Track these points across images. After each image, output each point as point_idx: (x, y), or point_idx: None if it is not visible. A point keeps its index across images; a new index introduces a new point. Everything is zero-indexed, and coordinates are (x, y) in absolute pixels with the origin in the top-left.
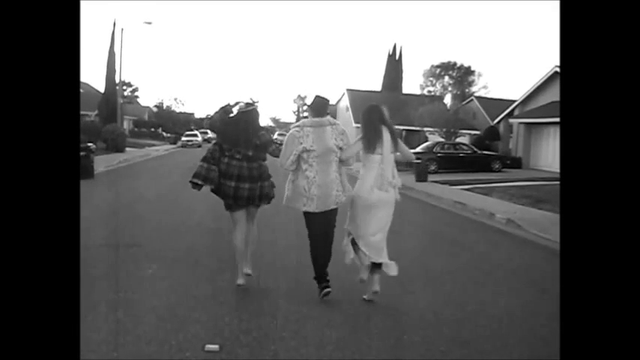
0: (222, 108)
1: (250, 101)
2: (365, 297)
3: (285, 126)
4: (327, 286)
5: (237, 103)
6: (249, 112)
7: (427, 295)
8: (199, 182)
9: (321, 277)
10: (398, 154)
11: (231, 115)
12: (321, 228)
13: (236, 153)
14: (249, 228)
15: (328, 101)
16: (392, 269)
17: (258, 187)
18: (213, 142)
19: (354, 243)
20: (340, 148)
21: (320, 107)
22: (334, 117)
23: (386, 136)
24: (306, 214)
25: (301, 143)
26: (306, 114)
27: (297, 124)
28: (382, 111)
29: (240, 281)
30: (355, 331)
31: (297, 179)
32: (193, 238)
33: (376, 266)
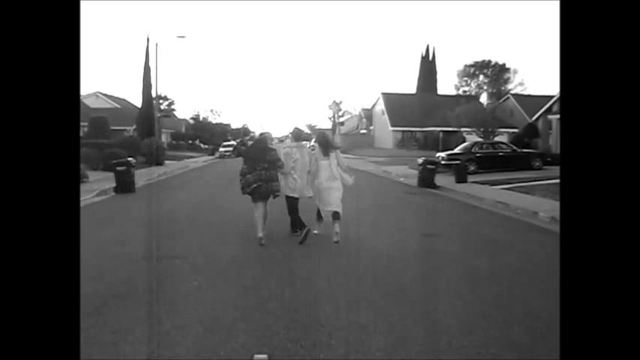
0: (241, 140)
1: (262, 130)
2: (332, 239)
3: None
4: (306, 228)
5: (252, 137)
6: (262, 139)
7: (474, 298)
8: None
9: (301, 225)
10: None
11: (250, 142)
12: (295, 205)
13: (257, 166)
14: (265, 211)
15: (303, 131)
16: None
17: (270, 186)
18: (243, 164)
19: (318, 216)
20: (309, 161)
21: (298, 135)
22: (370, 121)
23: (329, 150)
24: (292, 198)
25: (292, 158)
26: (341, 120)
27: (286, 145)
28: (328, 135)
29: (260, 234)
30: (404, 337)
31: (287, 179)
32: (236, 249)
33: (336, 217)
